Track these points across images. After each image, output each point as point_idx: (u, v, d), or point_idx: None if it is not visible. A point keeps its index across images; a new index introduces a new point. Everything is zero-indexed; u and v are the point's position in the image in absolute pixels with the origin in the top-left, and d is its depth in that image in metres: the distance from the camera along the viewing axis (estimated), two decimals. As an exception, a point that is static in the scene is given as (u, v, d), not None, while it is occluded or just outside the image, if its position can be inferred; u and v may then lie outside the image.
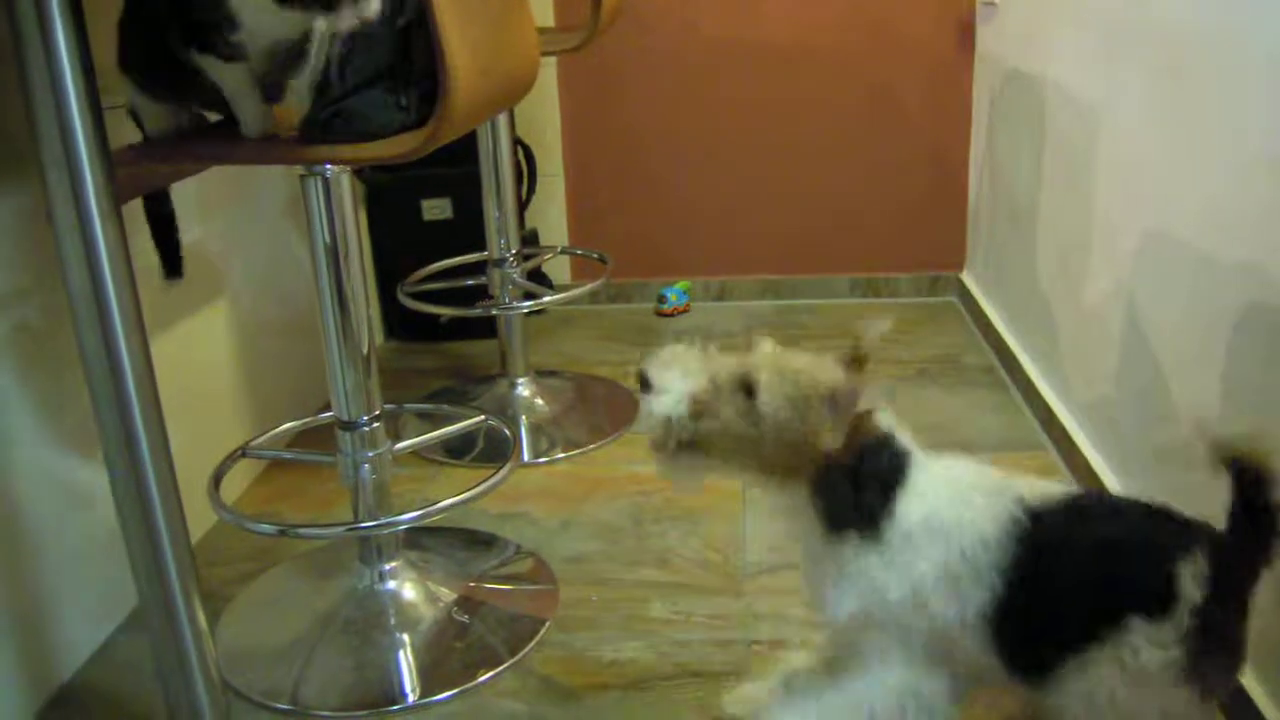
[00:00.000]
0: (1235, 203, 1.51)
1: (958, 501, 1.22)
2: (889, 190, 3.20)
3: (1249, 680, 1.44)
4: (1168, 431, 1.72)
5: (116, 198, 1.18)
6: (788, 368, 1.22)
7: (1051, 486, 1.24)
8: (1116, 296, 1.93)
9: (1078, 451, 2.10)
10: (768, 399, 1.20)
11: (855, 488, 1.21)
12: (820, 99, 3.13)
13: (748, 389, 1.21)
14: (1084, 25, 2.13)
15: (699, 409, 1.21)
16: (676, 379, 1.23)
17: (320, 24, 1.29)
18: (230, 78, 1.36)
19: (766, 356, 1.25)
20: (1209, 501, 1.57)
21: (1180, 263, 1.68)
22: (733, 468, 1.25)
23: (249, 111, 1.38)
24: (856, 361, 1.26)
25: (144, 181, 1.53)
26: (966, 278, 3.18)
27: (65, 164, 1.13)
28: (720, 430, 1.22)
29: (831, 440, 1.19)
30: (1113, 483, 1.94)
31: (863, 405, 1.21)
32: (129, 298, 1.20)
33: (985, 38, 2.97)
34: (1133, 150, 1.89)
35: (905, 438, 1.26)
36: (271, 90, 1.40)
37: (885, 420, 1.25)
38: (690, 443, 1.23)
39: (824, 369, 1.23)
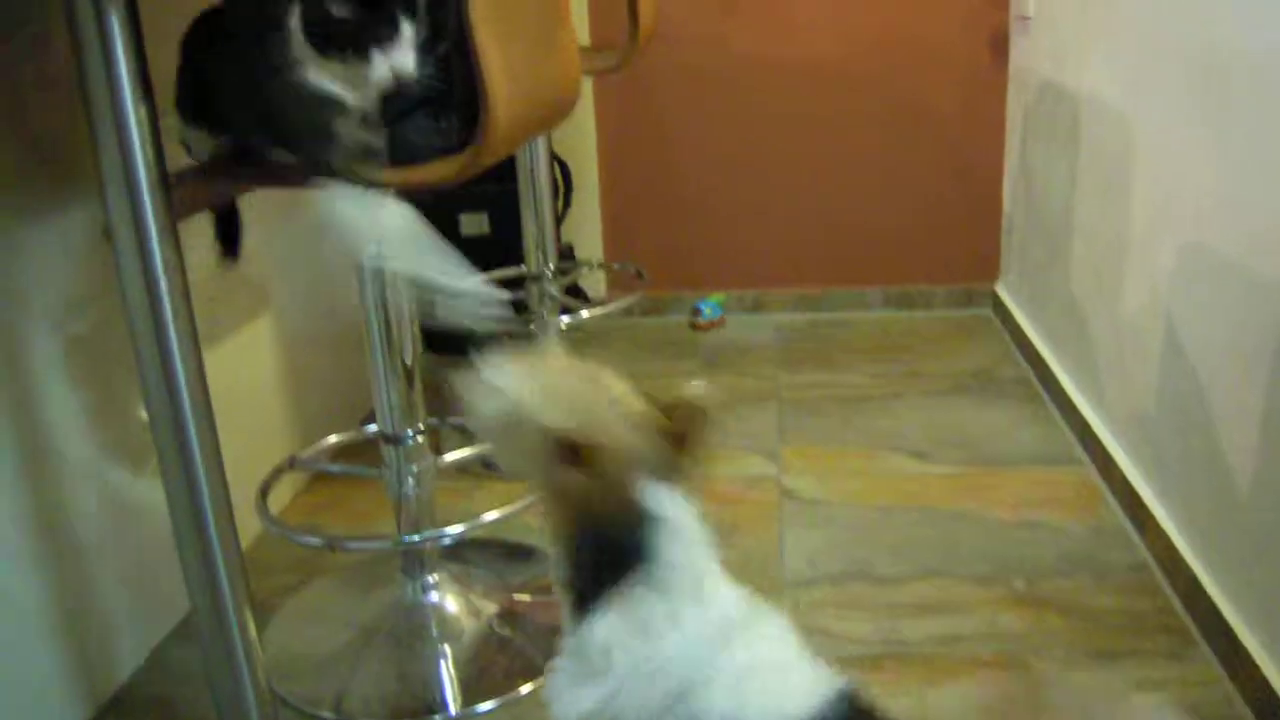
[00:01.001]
0: (1273, 218, 1.52)
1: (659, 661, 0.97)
2: (922, 203, 3.21)
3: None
4: (1207, 448, 1.72)
5: (173, 217, 1.21)
6: (557, 389, 1.05)
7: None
8: (1154, 310, 1.94)
9: (1115, 467, 2.10)
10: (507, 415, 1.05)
11: (591, 554, 1.02)
12: (854, 112, 3.14)
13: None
14: (1120, 39, 2.14)
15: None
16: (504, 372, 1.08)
17: (364, 76, 1.29)
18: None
19: (547, 369, 1.09)
20: (1253, 520, 1.58)
21: (1218, 277, 1.69)
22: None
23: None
24: (675, 432, 1.03)
25: (197, 202, 1.56)
26: (1001, 290, 3.18)
27: (125, 185, 1.16)
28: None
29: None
30: (1150, 498, 1.94)
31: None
32: (185, 315, 1.22)
33: (1019, 51, 2.97)
34: (1169, 164, 1.90)
35: (678, 531, 1.00)
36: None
37: (660, 498, 1.01)
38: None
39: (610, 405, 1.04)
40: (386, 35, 1.25)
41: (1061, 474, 2.25)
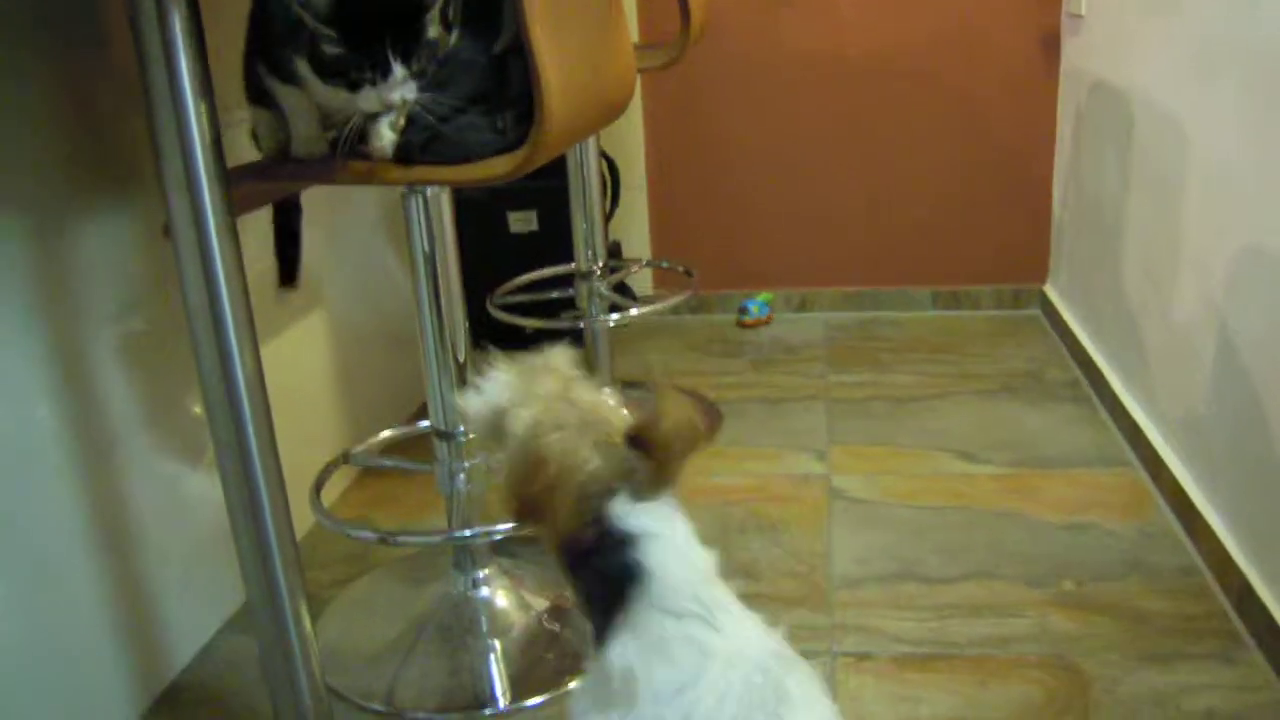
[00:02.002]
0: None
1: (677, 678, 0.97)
2: (971, 202, 3.19)
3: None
4: (1260, 451, 1.71)
5: (233, 215, 1.23)
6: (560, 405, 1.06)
7: None
8: (1206, 313, 1.92)
9: (1165, 469, 2.08)
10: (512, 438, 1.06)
11: (586, 586, 1.06)
12: (903, 111, 3.13)
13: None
14: (1176, 40, 2.12)
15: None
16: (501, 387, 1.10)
17: (367, 103, 1.30)
18: (291, 99, 1.39)
19: (548, 383, 1.09)
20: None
21: (1273, 279, 1.67)
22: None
23: (300, 131, 1.42)
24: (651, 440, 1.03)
25: (254, 199, 1.59)
26: (1050, 291, 3.16)
27: (186, 185, 1.18)
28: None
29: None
30: (1201, 501, 1.93)
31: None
32: (243, 312, 1.24)
33: (1071, 50, 2.95)
34: (1224, 167, 1.88)
35: (670, 548, 1.04)
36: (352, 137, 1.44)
37: (639, 517, 1.04)
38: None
39: (599, 423, 1.05)
40: (379, 76, 1.27)
41: (1111, 476, 2.23)
